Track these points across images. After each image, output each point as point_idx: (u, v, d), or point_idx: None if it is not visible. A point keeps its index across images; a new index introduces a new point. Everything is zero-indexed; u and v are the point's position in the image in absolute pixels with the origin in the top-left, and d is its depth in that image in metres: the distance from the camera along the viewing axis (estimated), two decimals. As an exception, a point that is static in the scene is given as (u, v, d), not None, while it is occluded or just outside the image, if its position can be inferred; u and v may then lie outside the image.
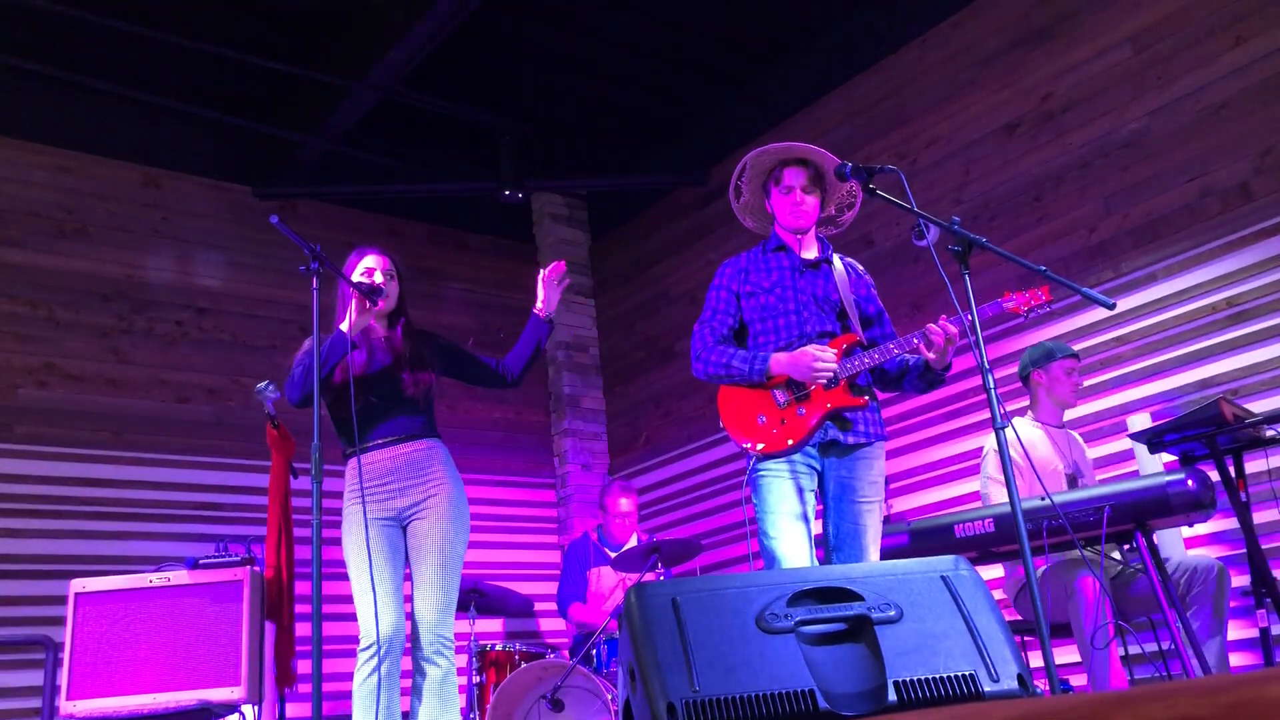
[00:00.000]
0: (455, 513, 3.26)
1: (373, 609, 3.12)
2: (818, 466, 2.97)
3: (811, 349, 2.93)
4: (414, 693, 3.13)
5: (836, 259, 3.14)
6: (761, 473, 2.93)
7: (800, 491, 2.90)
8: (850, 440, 2.95)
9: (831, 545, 2.96)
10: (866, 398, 2.97)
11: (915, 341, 2.90)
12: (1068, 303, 4.38)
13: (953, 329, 2.86)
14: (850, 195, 3.17)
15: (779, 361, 2.94)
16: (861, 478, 2.96)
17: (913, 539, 3.57)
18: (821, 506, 3.00)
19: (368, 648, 3.12)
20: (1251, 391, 3.82)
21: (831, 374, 2.91)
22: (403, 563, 3.27)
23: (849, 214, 3.21)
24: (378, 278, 3.34)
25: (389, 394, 3.30)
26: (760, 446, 2.92)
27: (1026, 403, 3.94)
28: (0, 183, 5.06)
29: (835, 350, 2.94)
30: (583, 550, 5.29)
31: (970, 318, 2.56)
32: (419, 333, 3.46)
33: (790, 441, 2.90)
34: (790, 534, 2.85)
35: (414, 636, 3.14)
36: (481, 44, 5.30)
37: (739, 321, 3.12)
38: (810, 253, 3.12)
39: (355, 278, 3.34)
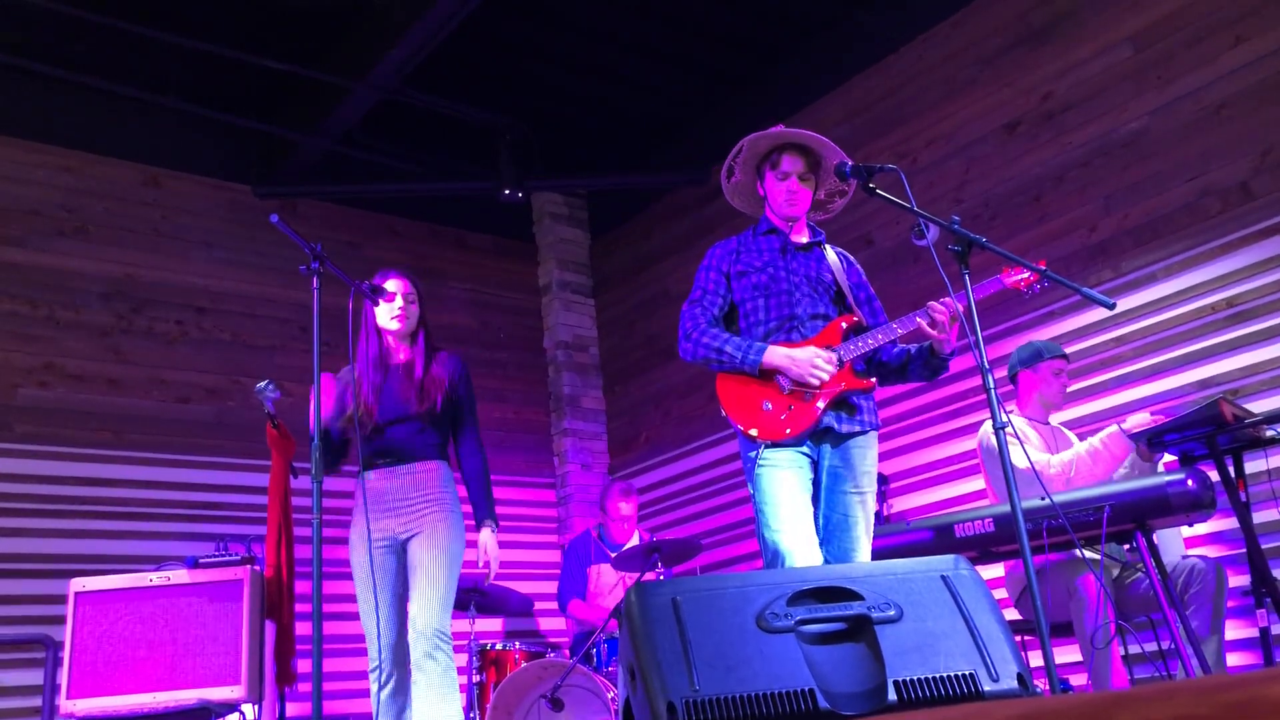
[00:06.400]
0: (450, 532, 3.37)
1: (374, 631, 3.29)
2: (813, 455, 2.90)
3: (817, 351, 2.86)
4: (413, 688, 3.20)
5: (828, 247, 3.12)
6: (763, 464, 2.83)
7: (803, 481, 2.84)
8: (845, 429, 2.88)
9: (821, 538, 2.87)
10: (873, 379, 2.93)
11: (919, 320, 2.86)
12: (1067, 302, 4.38)
13: (957, 305, 2.81)
14: (842, 183, 3.10)
15: (775, 355, 2.85)
16: (855, 467, 2.89)
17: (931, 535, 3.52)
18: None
19: (374, 669, 3.29)
20: (1251, 391, 3.82)
21: (826, 380, 2.84)
22: (403, 583, 3.39)
23: (840, 201, 3.17)
24: (397, 301, 3.45)
25: (398, 415, 3.42)
26: (763, 433, 2.84)
27: (1014, 404, 3.93)
28: (1, 182, 5.06)
29: (835, 357, 2.87)
30: (583, 547, 5.29)
31: (971, 313, 2.56)
32: (443, 355, 3.56)
33: (790, 431, 2.82)
34: (794, 526, 2.76)
35: (412, 641, 3.23)
36: (481, 44, 5.30)
37: (729, 303, 3.05)
38: (802, 238, 3.08)
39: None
